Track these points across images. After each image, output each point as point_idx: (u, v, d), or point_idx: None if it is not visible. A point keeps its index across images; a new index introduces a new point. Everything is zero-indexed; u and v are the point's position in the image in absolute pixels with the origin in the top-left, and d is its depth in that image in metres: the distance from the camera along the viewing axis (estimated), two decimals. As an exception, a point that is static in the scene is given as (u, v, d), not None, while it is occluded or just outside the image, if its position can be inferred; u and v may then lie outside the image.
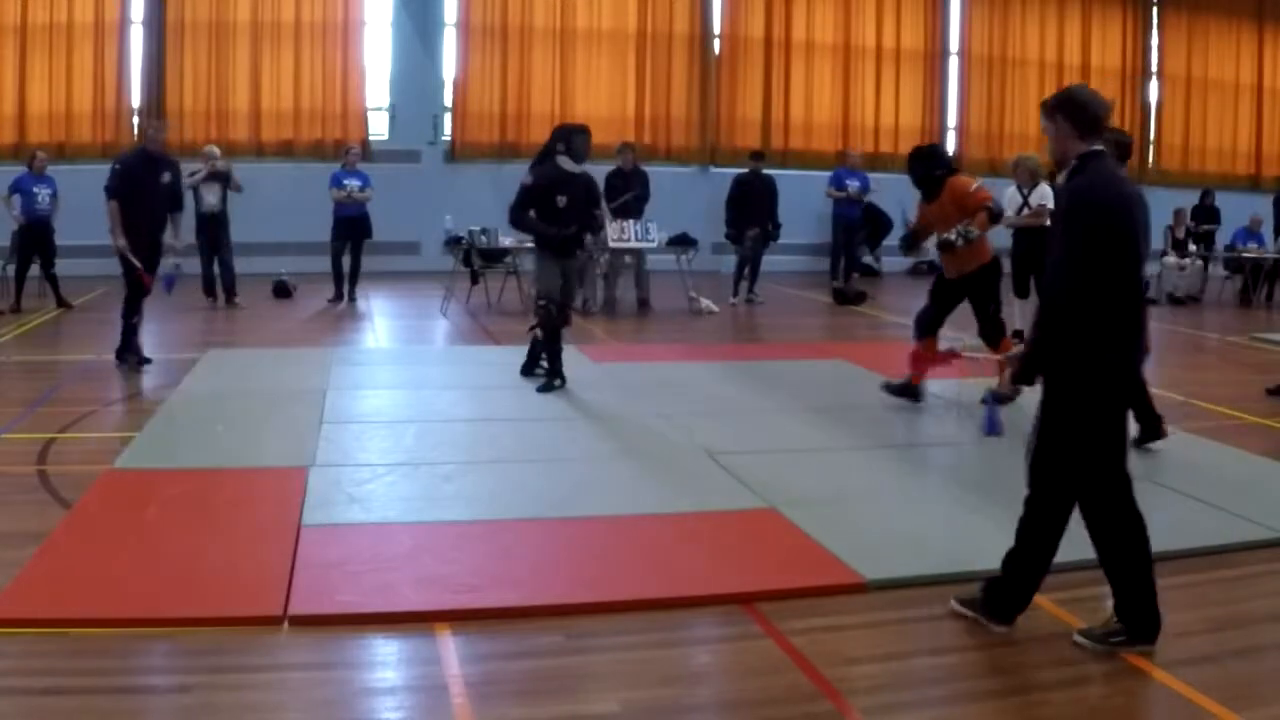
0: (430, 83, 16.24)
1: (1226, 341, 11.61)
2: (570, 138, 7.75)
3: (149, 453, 6.17)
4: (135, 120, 15.19)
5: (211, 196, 12.43)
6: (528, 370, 8.17)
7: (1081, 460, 3.82)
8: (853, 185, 15.71)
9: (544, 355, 7.97)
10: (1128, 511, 3.83)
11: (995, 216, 7.24)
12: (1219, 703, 3.43)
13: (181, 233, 8.80)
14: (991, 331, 7.36)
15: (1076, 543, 4.79)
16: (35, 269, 12.03)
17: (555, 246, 7.74)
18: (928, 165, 7.38)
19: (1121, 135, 6.59)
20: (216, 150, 12.89)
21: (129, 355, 8.42)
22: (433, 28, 16.23)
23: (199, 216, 12.43)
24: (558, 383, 7.82)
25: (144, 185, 8.30)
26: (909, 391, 7.53)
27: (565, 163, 7.71)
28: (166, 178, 8.45)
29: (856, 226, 15.79)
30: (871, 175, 15.49)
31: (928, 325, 7.49)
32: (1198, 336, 12.20)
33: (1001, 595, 3.94)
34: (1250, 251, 15.35)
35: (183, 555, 4.53)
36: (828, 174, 15.69)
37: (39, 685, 3.45)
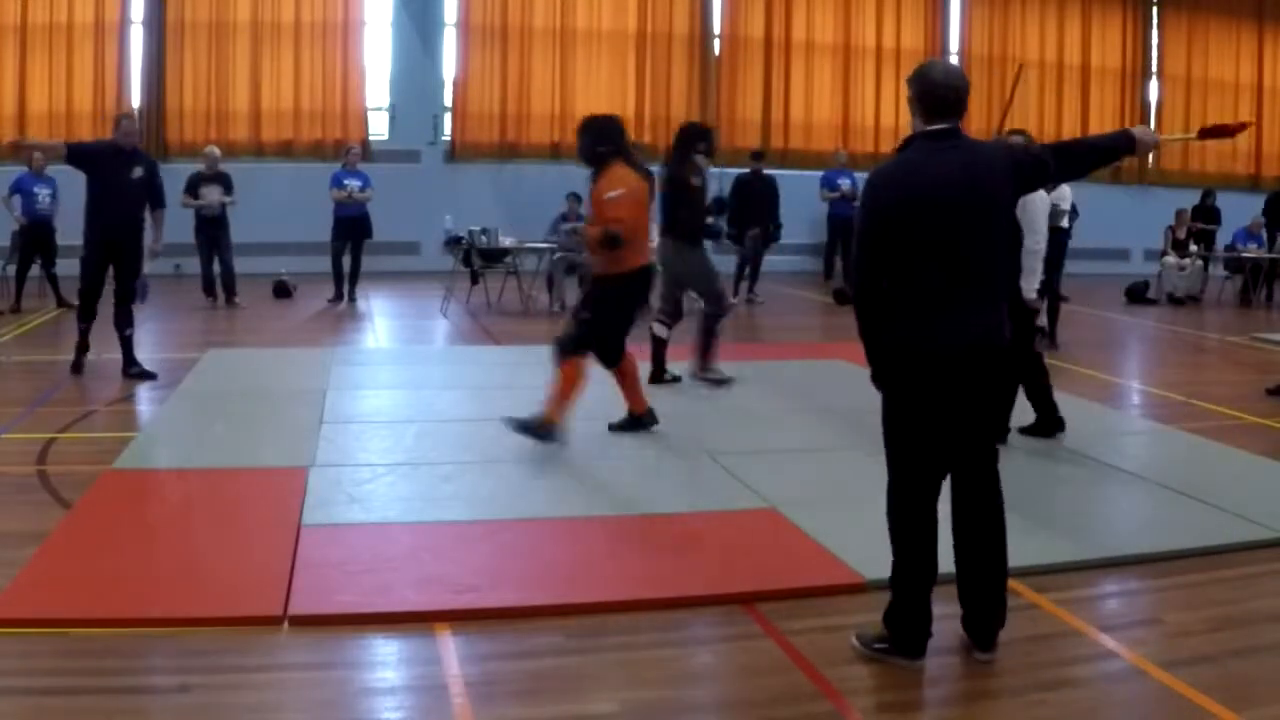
0: (430, 83, 16.23)
1: (1226, 341, 11.61)
2: (708, 137, 8.24)
3: (149, 453, 6.18)
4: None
5: (212, 196, 12.45)
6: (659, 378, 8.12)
7: (886, 451, 3.71)
8: (844, 184, 15.80)
9: (704, 351, 8.16)
10: (913, 520, 3.64)
11: (607, 240, 6.13)
12: (1219, 703, 3.42)
13: (162, 234, 8.53)
14: (602, 351, 6.45)
15: (1070, 543, 4.81)
16: (36, 269, 12.05)
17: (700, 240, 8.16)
18: (589, 139, 6.34)
19: (1019, 134, 6.61)
20: (217, 151, 12.91)
21: (131, 370, 8.26)
22: (433, 28, 16.23)
23: (199, 216, 12.46)
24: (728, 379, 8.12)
25: (111, 178, 7.98)
26: (642, 423, 6.64)
27: (702, 161, 8.06)
28: (139, 173, 8.11)
29: (850, 225, 15.84)
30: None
31: (614, 351, 6.49)
32: (1198, 336, 12.20)
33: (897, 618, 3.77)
34: (1250, 252, 15.35)
35: (183, 555, 4.53)
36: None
37: (39, 685, 3.45)
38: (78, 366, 8.31)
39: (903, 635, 3.67)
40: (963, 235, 3.53)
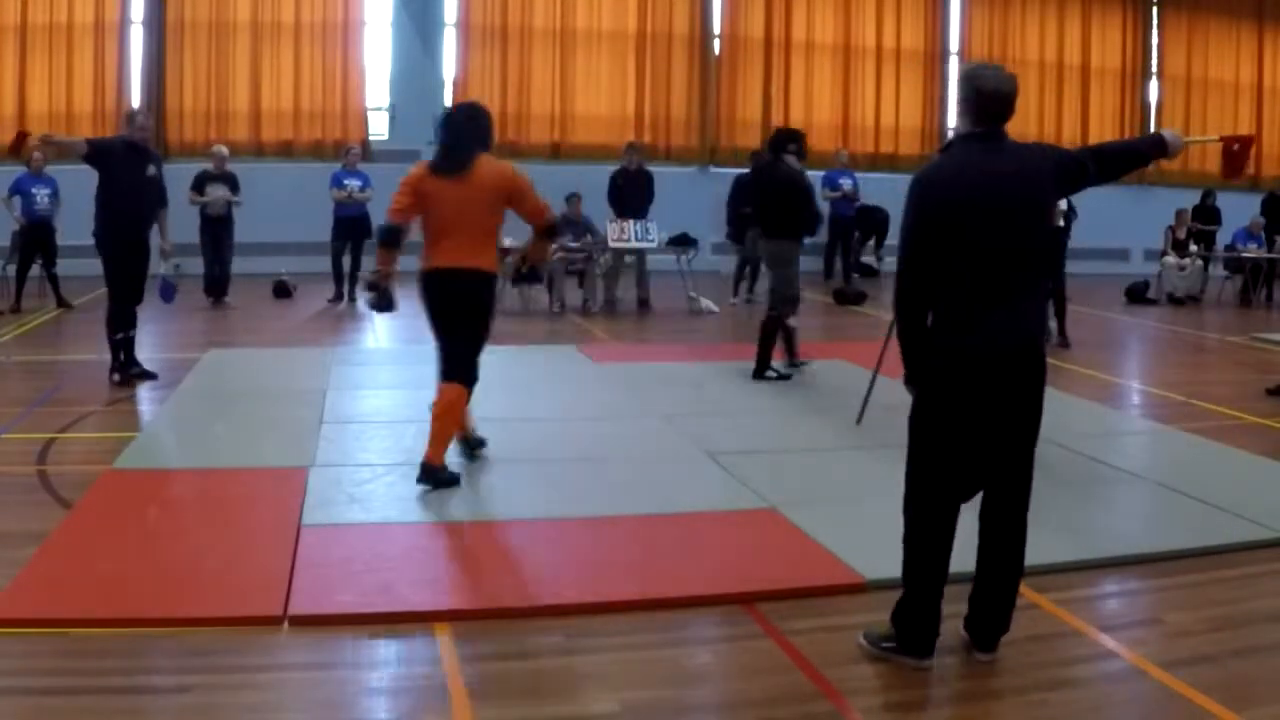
0: (430, 83, 16.22)
1: (1226, 341, 11.61)
2: (799, 139, 8.53)
3: (149, 453, 6.18)
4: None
5: (218, 195, 12.45)
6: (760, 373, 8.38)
7: (911, 457, 3.70)
8: (846, 183, 15.83)
9: (763, 351, 8.40)
10: (935, 523, 3.63)
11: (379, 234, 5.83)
12: (1219, 703, 3.43)
13: (170, 234, 8.43)
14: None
15: (1070, 543, 4.81)
16: (36, 269, 12.06)
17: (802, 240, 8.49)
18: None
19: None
20: (225, 150, 12.90)
21: (131, 370, 8.10)
22: (433, 28, 16.23)
23: (203, 215, 12.46)
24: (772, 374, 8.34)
25: (126, 176, 7.77)
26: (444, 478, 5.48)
27: (793, 161, 8.34)
28: (151, 171, 7.96)
29: (851, 225, 15.89)
30: (873, 175, 15.54)
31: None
32: (1198, 336, 12.20)
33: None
34: (1250, 252, 15.35)
35: (183, 555, 4.53)
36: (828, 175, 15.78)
37: (39, 685, 3.45)
38: (128, 379, 8.01)
39: (910, 635, 3.68)
40: (1013, 236, 3.55)
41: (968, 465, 3.64)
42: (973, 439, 3.62)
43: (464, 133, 5.84)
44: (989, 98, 3.58)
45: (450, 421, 5.58)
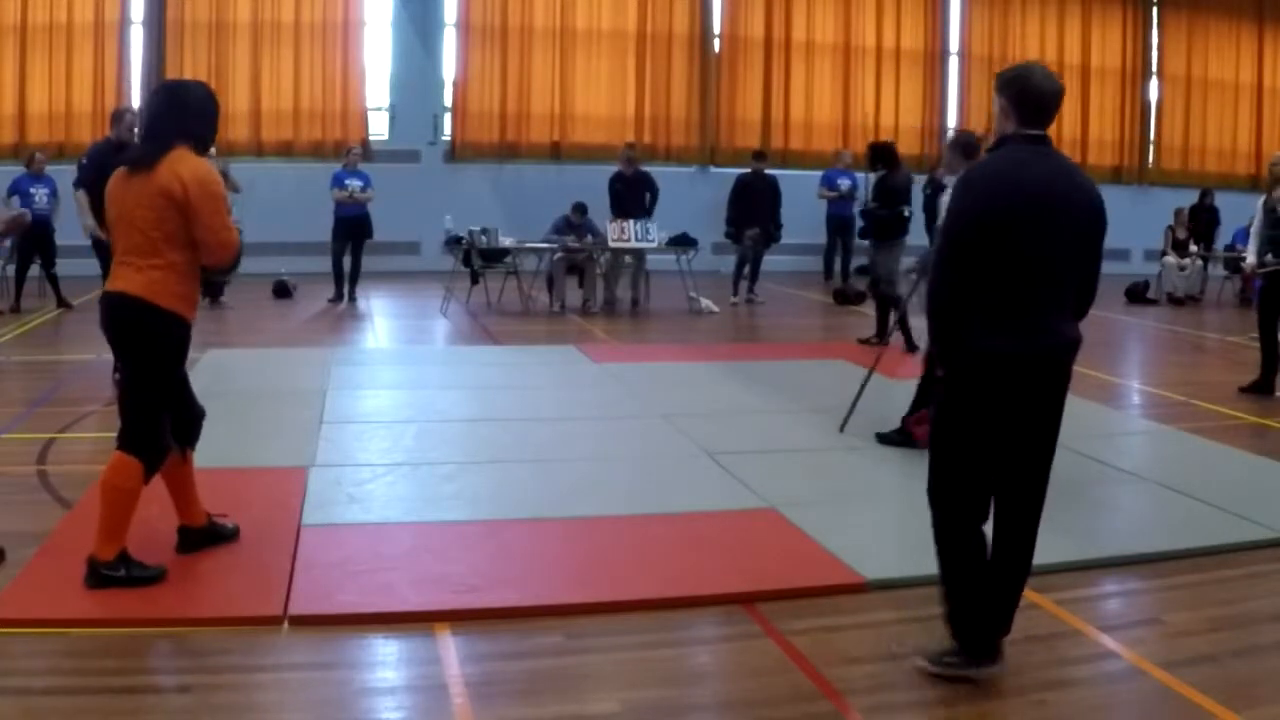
0: (430, 83, 16.24)
1: (1226, 341, 11.62)
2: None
3: (149, 453, 6.17)
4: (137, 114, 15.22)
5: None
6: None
7: (937, 455, 3.64)
8: (844, 184, 15.84)
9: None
10: (960, 530, 3.59)
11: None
12: (1219, 703, 3.43)
13: None
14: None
15: (1070, 543, 4.81)
16: (35, 269, 12.05)
17: None
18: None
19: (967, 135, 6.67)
20: (213, 150, 12.87)
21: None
22: (433, 28, 16.24)
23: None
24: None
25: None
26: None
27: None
28: None
29: (850, 226, 15.88)
30: (872, 175, 15.48)
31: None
32: (1198, 336, 12.20)
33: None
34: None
35: (183, 555, 4.52)
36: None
37: (39, 685, 3.45)
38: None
39: (971, 639, 3.57)
40: (1059, 243, 3.49)
41: (992, 467, 3.59)
42: (998, 442, 3.55)
43: (158, 119, 4.41)
44: (1041, 96, 3.53)
45: (116, 505, 4.17)
